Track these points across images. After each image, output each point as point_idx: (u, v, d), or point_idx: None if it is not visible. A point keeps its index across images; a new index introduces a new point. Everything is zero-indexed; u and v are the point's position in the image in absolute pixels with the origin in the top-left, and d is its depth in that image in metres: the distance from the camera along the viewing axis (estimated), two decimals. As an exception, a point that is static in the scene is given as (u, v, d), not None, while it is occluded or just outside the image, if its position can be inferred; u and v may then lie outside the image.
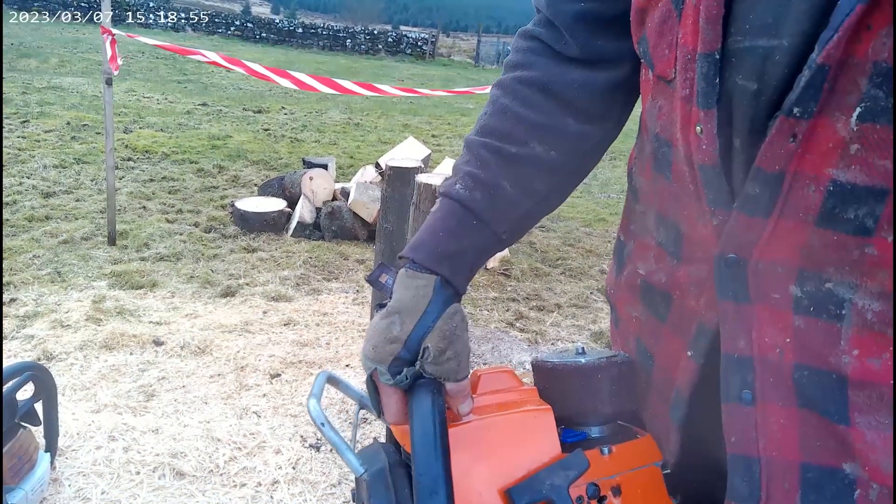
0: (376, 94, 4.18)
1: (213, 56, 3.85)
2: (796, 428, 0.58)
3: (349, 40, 22.02)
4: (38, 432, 1.95)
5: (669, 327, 0.70)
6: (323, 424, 0.67)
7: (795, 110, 0.50)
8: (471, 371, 0.69)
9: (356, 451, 0.70)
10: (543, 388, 0.71)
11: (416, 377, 0.67)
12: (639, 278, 0.74)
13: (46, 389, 1.88)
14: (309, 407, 0.69)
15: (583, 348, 0.73)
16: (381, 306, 0.69)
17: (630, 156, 0.77)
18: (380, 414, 0.70)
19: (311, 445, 2.30)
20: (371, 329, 0.69)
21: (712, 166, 0.57)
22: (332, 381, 0.77)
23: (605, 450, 0.67)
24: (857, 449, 0.55)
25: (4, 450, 1.68)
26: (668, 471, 0.70)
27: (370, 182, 4.52)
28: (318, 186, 4.56)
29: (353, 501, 0.70)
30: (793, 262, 0.55)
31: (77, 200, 4.64)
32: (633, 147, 0.77)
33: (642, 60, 0.68)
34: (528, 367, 0.77)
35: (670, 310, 0.69)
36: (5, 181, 4.73)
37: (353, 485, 0.73)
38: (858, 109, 0.48)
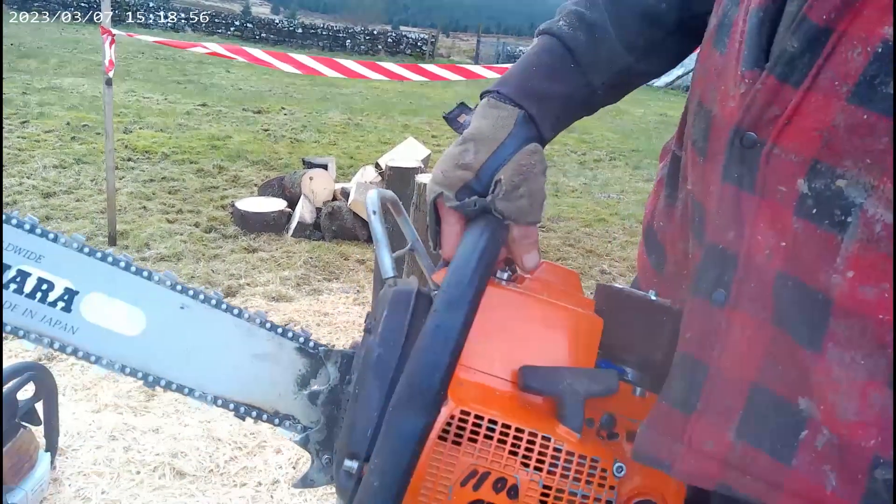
0: (382, 77, 4.19)
1: (214, 47, 3.87)
2: (762, 345, 0.54)
3: (349, 40, 22.01)
4: (39, 432, 1.95)
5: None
6: (374, 213, 0.64)
7: None
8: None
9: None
10: (600, 310, 0.65)
11: (484, 210, 0.62)
12: (690, 196, 0.66)
13: (47, 389, 1.88)
14: (368, 193, 0.65)
15: (655, 293, 0.68)
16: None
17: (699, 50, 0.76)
18: (436, 246, 0.67)
19: (311, 445, 2.30)
20: (443, 157, 0.65)
21: (760, 8, 0.54)
22: (394, 204, 0.72)
23: (639, 391, 0.63)
24: (819, 384, 0.51)
25: (4, 450, 1.68)
26: None
27: (370, 182, 4.52)
28: (318, 187, 4.56)
29: (365, 321, 0.65)
30: (809, 149, 0.51)
31: (77, 201, 4.64)
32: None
33: None
34: None
35: (706, 227, 0.60)
36: (5, 181, 4.73)
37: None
38: None
